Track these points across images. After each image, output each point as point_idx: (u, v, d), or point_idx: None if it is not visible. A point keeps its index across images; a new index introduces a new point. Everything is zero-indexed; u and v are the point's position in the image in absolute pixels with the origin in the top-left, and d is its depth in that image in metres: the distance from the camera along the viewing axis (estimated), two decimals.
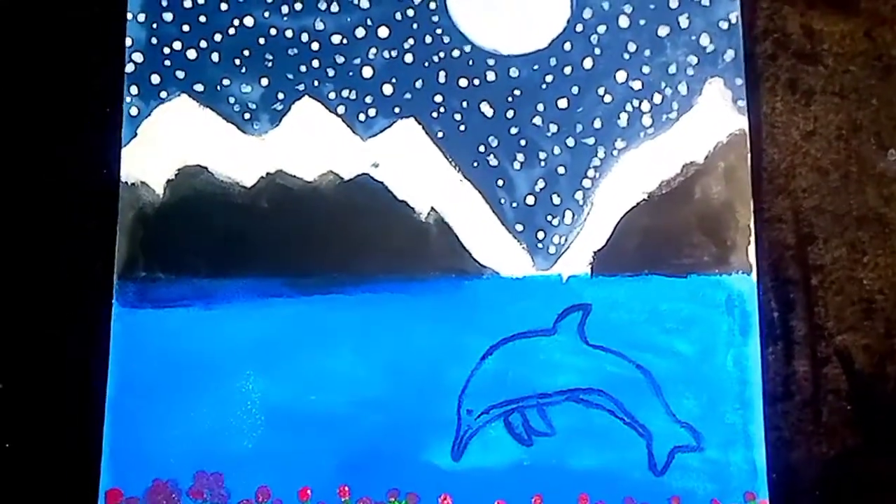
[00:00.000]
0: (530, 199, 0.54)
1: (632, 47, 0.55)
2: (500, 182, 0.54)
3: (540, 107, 0.55)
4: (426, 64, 0.55)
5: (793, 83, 0.56)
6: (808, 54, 0.57)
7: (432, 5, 0.55)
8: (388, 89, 0.55)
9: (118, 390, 0.51)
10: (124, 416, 0.51)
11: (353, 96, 0.55)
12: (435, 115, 0.55)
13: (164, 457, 0.51)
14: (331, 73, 0.55)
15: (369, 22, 0.55)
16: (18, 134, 0.54)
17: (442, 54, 0.55)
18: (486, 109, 0.55)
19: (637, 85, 0.55)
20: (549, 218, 0.54)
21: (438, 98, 0.55)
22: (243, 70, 0.54)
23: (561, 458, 0.52)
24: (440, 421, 0.52)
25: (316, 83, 0.54)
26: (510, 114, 0.55)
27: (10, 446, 0.52)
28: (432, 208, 0.54)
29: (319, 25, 0.55)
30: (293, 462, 0.51)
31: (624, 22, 0.55)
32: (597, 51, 0.55)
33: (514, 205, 0.54)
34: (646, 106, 0.55)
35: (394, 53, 0.55)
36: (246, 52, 0.54)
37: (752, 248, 0.53)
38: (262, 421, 0.51)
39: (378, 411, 0.52)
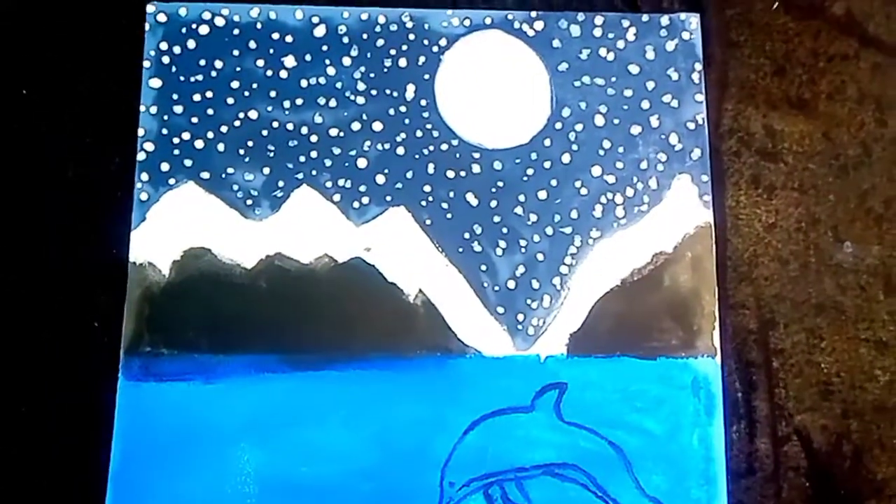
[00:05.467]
0: (511, 284, 0.58)
1: (606, 144, 0.59)
2: (484, 267, 0.58)
3: (521, 197, 0.59)
4: (416, 156, 0.59)
5: (755, 179, 0.61)
6: (770, 152, 0.61)
7: (423, 102, 0.59)
8: (380, 179, 0.59)
9: (122, 458, 0.54)
10: (126, 483, 0.54)
11: (348, 185, 0.58)
12: (424, 203, 0.58)
13: None
14: (328, 163, 0.58)
15: (364, 117, 0.59)
16: (37, 215, 0.58)
17: (431, 147, 0.59)
18: (472, 199, 0.59)
19: (611, 179, 0.59)
20: (529, 301, 0.58)
21: (427, 188, 0.59)
22: (247, 160, 0.58)
23: None
24: (424, 492, 0.55)
25: (314, 172, 0.58)
26: (493, 203, 0.59)
27: None
28: (420, 290, 0.58)
29: (318, 119, 0.59)
30: None
31: (599, 121, 0.60)
32: (574, 147, 0.59)
33: (496, 288, 0.58)
34: (619, 199, 0.59)
35: (386, 146, 0.59)
36: (249, 143, 0.58)
37: (716, 333, 0.57)
38: (256, 490, 0.54)
39: (366, 482, 0.55)
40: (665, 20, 0.61)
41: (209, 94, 0.59)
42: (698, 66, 0.60)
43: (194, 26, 0.59)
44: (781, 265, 0.60)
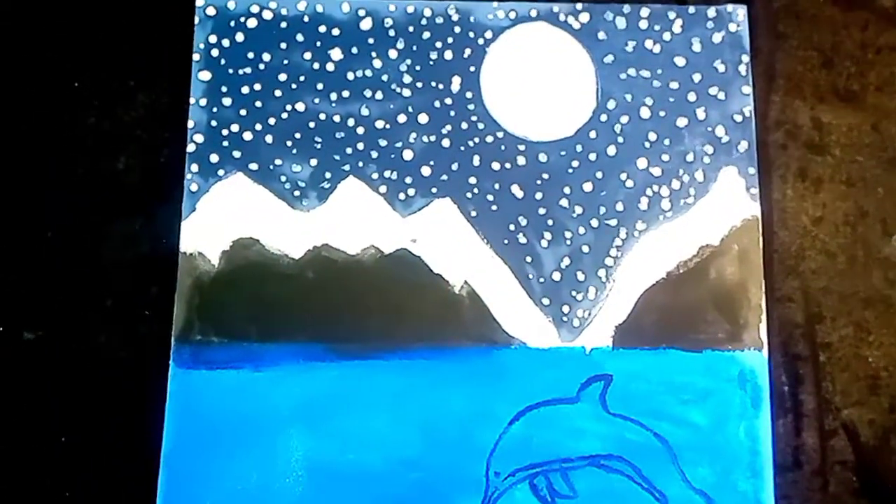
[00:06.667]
0: (556, 276, 0.58)
1: (652, 136, 0.59)
2: (529, 259, 0.58)
3: (566, 190, 0.59)
4: (462, 148, 0.59)
5: (803, 172, 0.60)
6: (818, 145, 0.61)
7: (468, 95, 0.60)
8: (426, 171, 0.59)
9: (173, 444, 0.55)
10: (178, 469, 0.55)
11: (394, 177, 0.59)
12: (469, 195, 0.59)
13: None
14: (374, 155, 0.59)
15: (410, 109, 0.59)
16: (90, 206, 0.59)
17: (476, 140, 0.59)
18: (517, 191, 0.59)
19: (657, 171, 0.59)
20: (574, 293, 0.58)
21: (472, 180, 0.59)
22: (294, 151, 0.59)
23: None
24: (469, 481, 0.55)
25: (360, 164, 0.59)
26: (539, 196, 0.59)
27: (69, 494, 0.56)
28: (465, 282, 0.58)
29: (365, 111, 0.59)
30: None
31: (645, 113, 0.60)
32: (620, 139, 0.59)
33: (542, 280, 0.58)
34: (665, 191, 0.59)
35: (432, 138, 0.59)
36: (297, 135, 0.59)
37: (763, 326, 0.57)
38: (304, 477, 0.55)
39: (412, 471, 0.55)
40: (712, 12, 0.60)
41: (257, 87, 0.59)
42: (745, 59, 0.60)
43: (243, 19, 0.60)
44: (829, 258, 0.59)
